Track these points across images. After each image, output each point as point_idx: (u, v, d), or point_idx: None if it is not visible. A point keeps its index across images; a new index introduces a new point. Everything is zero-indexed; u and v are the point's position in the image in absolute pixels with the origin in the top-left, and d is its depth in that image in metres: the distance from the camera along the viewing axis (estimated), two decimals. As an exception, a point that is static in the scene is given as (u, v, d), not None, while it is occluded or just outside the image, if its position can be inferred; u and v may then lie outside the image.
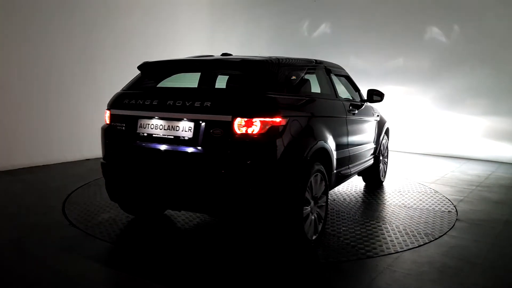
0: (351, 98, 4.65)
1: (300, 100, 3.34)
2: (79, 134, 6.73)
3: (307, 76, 3.71)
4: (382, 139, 5.39)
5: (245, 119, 2.76)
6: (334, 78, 4.48)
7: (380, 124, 5.33)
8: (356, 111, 4.33)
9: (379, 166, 5.34)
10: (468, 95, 8.26)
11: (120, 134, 3.27)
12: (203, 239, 3.51)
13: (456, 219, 4.12)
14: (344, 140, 3.98)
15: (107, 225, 3.72)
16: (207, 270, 2.90)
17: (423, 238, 3.56)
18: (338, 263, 3.02)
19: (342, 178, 4.10)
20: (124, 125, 3.25)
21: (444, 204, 4.66)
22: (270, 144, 2.83)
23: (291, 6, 9.94)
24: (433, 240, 3.51)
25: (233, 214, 3.10)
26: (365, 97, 4.78)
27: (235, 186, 2.86)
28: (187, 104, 2.95)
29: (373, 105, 5.24)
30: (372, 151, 5.07)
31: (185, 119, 2.96)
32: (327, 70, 4.12)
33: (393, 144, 9.07)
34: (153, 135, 3.10)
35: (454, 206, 4.59)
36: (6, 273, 2.79)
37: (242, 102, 2.89)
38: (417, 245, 3.38)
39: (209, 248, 3.28)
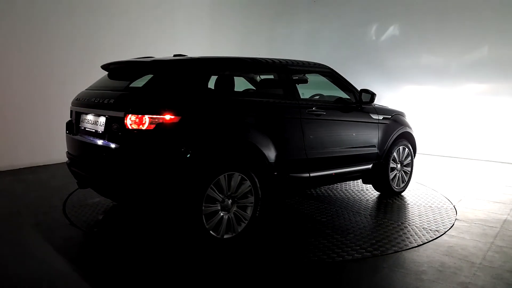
0: (348, 98, 4.52)
1: (208, 99, 3.36)
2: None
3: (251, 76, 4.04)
4: (396, 145, 4.86)
5: (134, 115, 3.00)
6: (326, 79, 4.51)
7: (391, 127, 4.81)
8: (325, 112, 4.05)
9: (387, 174, 4.80)
10: None
11: (72, 127, 3.80)
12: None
13: (456, 219, 4.12)
14: (296, 141, 3.83)
15: (102, 221, 3.73)
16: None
17: (422, 238, 3.56)
18: (341, 263, 3.03)
19: (300, 182, 3.91)
20: (74, 119, 3.78)
21: (443, 204, 4.66)
22: (158, 140, 3.01)
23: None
24: (433, 240, 3.52)
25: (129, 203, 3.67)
26: (366, 98, 4.46)
27: (124, 178, 3.11)
28: (100, 102, 3.31)
29: (388, 106, 5.01)
30: (370, 156, 4.63)
31: (100, 115, 3.33)
32: (286, 71, 3.97)
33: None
34: (86, 129, 3.56)
35: (454, 206, 4.60)
36: (6, 273, 2.80)
37: (133, 99, 3.15)
38: (416, 245, 3.39)
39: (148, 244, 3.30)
